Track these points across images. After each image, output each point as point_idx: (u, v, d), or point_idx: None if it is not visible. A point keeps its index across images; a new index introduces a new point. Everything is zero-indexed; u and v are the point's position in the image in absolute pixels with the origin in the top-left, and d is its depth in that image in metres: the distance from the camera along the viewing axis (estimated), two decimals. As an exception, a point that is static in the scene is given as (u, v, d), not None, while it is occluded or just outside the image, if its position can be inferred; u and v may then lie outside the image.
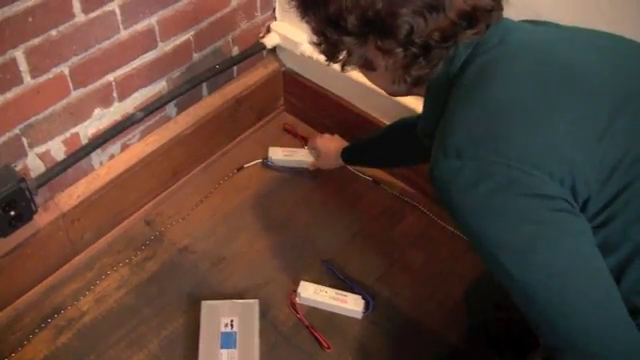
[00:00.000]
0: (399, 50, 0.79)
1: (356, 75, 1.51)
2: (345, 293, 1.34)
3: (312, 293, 1.34)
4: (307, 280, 1.36)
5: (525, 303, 0.78)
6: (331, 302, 1.33)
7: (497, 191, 0.73)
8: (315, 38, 0.86)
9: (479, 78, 0.80)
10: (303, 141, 1.69)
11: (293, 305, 1.34)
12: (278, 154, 1.64)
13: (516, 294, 0.78)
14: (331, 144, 1.54)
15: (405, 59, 0.80)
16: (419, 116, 1.08)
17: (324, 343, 1.28)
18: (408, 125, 1.26)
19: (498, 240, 0.75)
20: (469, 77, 0.81)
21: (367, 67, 0.87)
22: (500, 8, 0.82)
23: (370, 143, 1.43)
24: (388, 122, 1.51)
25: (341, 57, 0.87)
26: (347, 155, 1.48)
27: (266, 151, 1.65)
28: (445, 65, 0.84)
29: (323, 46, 0.86)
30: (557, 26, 0.90)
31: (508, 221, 0.74)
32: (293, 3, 0.85)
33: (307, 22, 0.85)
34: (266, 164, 1.64)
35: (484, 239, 0.76)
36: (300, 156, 1.63)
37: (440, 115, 0.84)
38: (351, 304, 1.32)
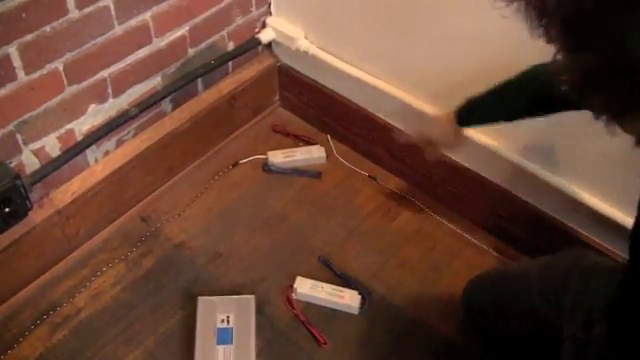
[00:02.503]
0: None
1: (351, 70, 1.53)
2: (341, 289, 1.34)
3: (308, 289, 1.34)
4: (303, 276, 1.36)
5: None
6: (327, 298, 1.33)
7: None
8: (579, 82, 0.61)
9: None
10: (295, 139, 1.68)
11: (289, 301, 1.34)
12: (278, 157, 1.62)
13: None
14: (441, 124, 1.27)
15: None
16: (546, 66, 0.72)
17: (320, 339, 1.28)
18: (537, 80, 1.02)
19: None
20: None
21: None
22: None
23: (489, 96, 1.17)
24: (383, 117, 1.51)
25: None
26: (464, 116, 1.22)
27: (263, 147, 1.65)
28: None
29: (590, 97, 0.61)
30: None
31: None
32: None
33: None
34: (267, 169, 1.61)
35: None
36: (300, 155, 1.63)
37: None
38: (347, 300, 1.33)
